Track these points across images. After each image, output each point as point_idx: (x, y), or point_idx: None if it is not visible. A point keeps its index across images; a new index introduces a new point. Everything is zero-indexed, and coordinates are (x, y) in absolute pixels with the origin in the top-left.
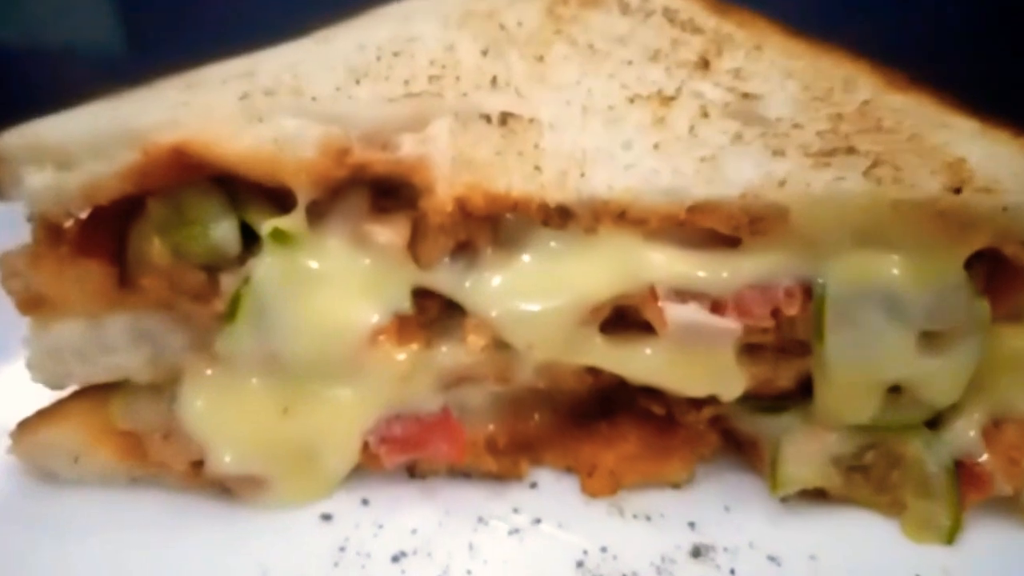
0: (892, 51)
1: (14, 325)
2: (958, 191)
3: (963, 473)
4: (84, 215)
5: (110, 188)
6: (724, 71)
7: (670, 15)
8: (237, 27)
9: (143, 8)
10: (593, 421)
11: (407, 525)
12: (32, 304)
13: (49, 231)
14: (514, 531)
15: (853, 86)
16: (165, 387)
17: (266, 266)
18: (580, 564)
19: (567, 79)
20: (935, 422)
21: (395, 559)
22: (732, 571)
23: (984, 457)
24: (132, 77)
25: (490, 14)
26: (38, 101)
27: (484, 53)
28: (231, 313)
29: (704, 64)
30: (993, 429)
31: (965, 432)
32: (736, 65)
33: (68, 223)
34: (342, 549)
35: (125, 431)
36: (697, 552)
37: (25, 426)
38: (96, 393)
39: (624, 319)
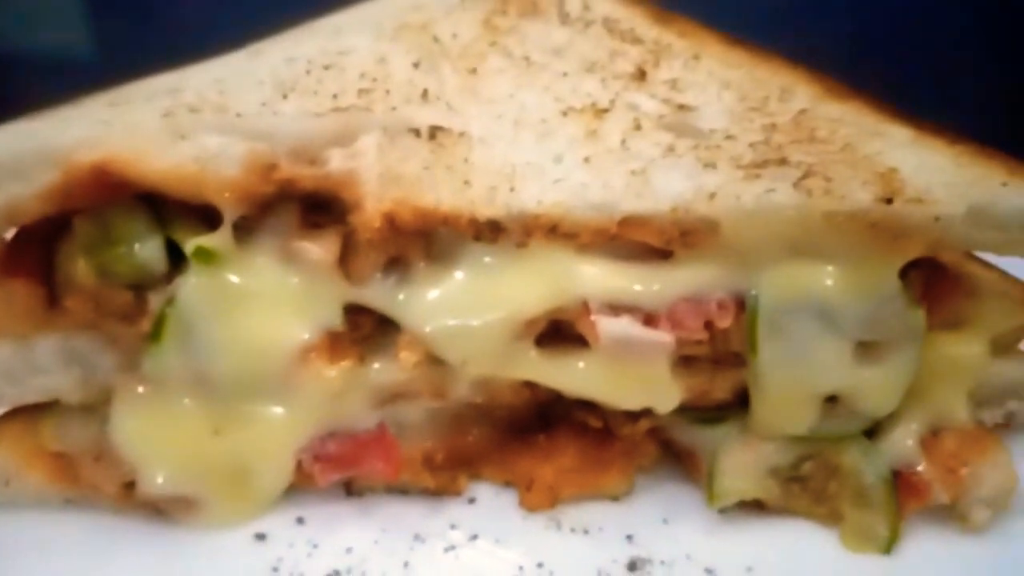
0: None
1: None
2: (889, 202)
3: (901, 482)
4: (9, 235)
5: (32, 209)
6: (660, 82)
7: (610, 25)
8: (207, 34)
9: (113, 15)
10: (531, 435)
11: (342, 544)
12: None
13: None
14: (450, 548)
15: (790, 95)
16: (97, 407)
17: (191, 285)
18: None
19: (500, 92)
20: (872, 432)
21: None
22: None
23: (922, 466)
24: (102, 84)
25: (425, 26)
26: (5, 108)
27: (416, 66)
28: (156, 333)
29: (641, 75)
30: (931, 438)
31: (902, 441)
32: (673, 76)
33: None
34: (275, 569)
35: (56, 453)
36: (634, 566)
37: None
38: (27, 414)
39: (559, 333)
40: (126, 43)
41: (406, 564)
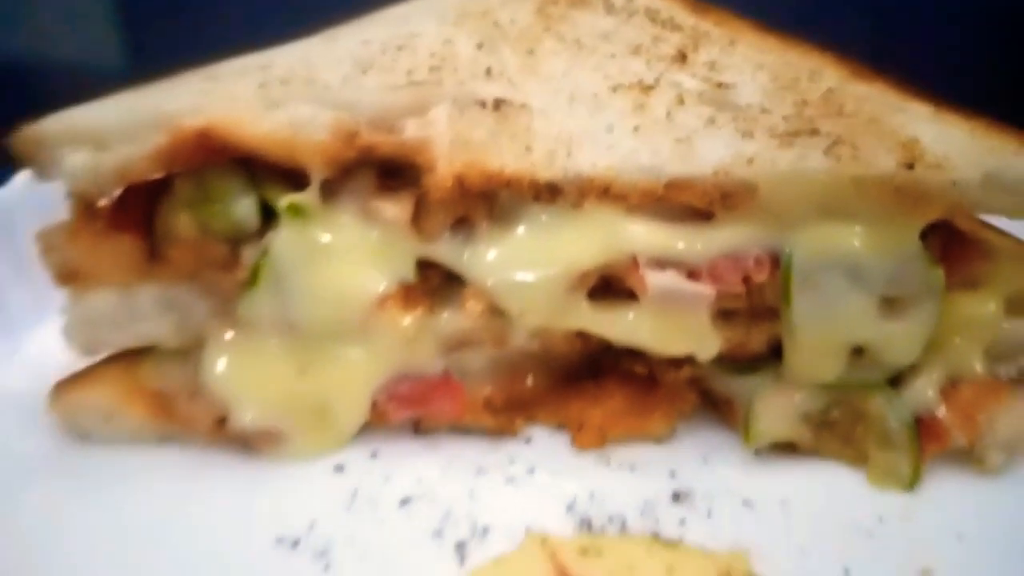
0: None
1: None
2: (911, 167)
3: (922, 427)
4: (117, 193)
5: (141, 168)
6: (700, 63)
7: (651, 14)
8: (236, 43)
9: (144, 24)
10: (582, 381)
11: (413, 475)
12: (68, 276)
13: (85, 208)
14: (510, 479)
15: (819, 76)
16: (190, 351)
17: (283, 238)
18: (570, 507)
19: (555, 70)
20: (896, 381)
21: (402, 503)
22: (709, 512)
23: (941, 413)
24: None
25: (485, 13)
26: (39, 115)
27: (479, 47)
28: (253, 280)
29: (682, 57)
30: (950, 388)
31: (924, 390)
32: (711, 58)
33: (102, 201)
34: (354, 496)
35: (154, 392)
36: (677, 496)
37: (61, 388)
38: (126, 358)
39: (609, 286)
40: (155, 52)
41: (471, 492)
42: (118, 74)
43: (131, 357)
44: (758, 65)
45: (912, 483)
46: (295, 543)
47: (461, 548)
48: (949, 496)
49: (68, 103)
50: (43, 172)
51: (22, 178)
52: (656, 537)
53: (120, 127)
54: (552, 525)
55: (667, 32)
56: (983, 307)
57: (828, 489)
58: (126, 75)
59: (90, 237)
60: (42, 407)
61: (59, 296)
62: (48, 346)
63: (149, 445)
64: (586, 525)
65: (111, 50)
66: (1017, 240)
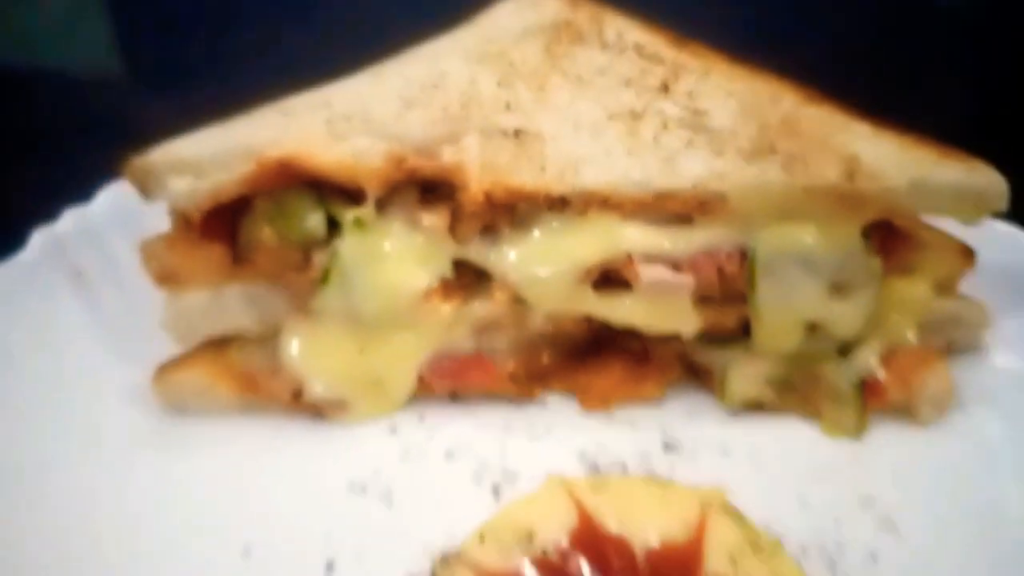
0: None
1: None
2: (851, 178)
3: (866, 388)
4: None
5: (230, 191)
6: (680, 93)
7: (639, 49)
8: (229, 54)
9: (139, 34)
10: (588, 356)
11: (453, 433)
12: (167, 279)
13: (183, 223)
14: (532, 436)
15: (779, 101)
16: (269, 338)
17: (348, 245)
18: (582, 456)
19: (562, 102)
20: (844, 350)
21: (446, 456)
22: (694, 459)
23: (882, 376)
24: (127, 100)
25: (501, 53)
26: (36, 123)
27: (499, 84)
28: (324, 279)
29: (665, 88)
30: (889, 355)
31: (867, 358)
32: (689, 88)
33: (196, 217)
34: (407, 451)
35: (240, 372)
36: (668, 447)
37: (162, 371)
38: (216, 344)
39: (609, 278)
40: (152, 63)
41: (501, 446)
42: (114, 83)
43: (220, 344)
44: (728, 93)
45: (858, 433)
46: (363, 488)
47: (496, 489)
48: (888, 443)
49: (64, 111)
50: (149, 195)
51: (104, 195)
52: (651, 476)
53: (215, 158)
54: (568, 470)
55: (653, 65)
56: (915, 289)
57: (789, 438)
58: (121, 84)
59: (185, 246)
60: (145, 388)
61: (147, 295)
62: (143, 337)
63: (236, 416)
64: (595, 469)
65: (107, 59)
66: (944, 234)
